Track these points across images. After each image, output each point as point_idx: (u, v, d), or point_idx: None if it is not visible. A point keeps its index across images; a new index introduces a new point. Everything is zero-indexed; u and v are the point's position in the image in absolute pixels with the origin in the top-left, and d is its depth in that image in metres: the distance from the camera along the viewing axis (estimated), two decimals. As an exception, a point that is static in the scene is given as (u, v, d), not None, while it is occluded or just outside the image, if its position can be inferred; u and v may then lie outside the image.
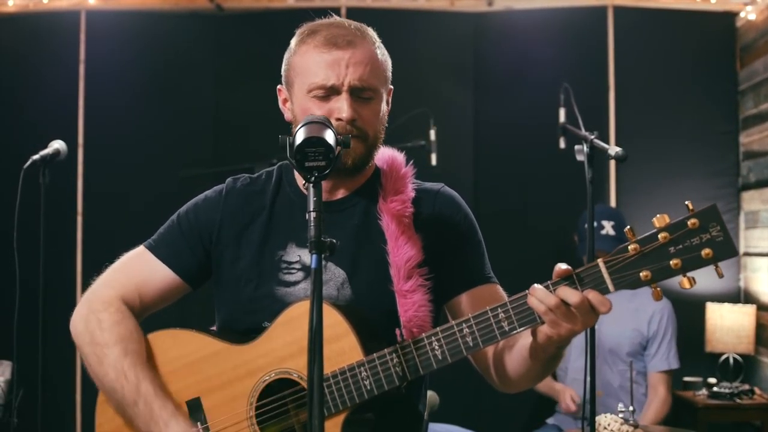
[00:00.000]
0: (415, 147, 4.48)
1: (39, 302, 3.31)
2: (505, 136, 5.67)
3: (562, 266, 1.83)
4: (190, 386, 2.14)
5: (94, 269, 5.45)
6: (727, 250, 1.77)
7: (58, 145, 3.43)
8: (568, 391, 4.59)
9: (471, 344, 1.92)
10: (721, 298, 5.42)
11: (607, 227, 4.71)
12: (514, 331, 1.89)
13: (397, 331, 2.03)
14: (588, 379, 3.31)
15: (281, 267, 2.17)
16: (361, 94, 2.10)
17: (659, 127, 5.59)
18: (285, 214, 2.23)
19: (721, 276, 1.81)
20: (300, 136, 1.80)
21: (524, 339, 1.97)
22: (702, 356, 5.36)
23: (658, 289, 1.82)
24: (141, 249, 2.30)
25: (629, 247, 1.80)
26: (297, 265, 2.17)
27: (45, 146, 3.42)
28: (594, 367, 3.35)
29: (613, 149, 3.17)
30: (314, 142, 1.78)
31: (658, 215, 1.80)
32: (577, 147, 3.43)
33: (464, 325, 1.92)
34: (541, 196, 5.64)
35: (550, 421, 4.78)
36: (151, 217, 5.40)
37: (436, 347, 1.94)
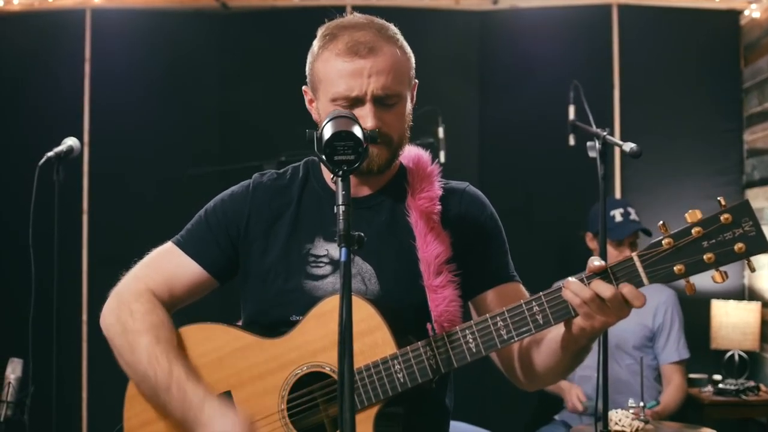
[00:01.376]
0: (424, 144, 4.47)
1: (53, 300, 3.31)
2: (511, 133, 5.68)
3: (596, 262, 1.85)
4: (220, 380, 2.14)
5: (99, 267, 5.48)
6: (760, 244, 1.79)
7: (71, 141, 3.44)
8: (574, 390, 4.60)
9: (505, 337, 1.94)
10: (725, 295, 5.45)
11: (616, 215, 4.76)
12: (549, 325, 1.91)
13: (429, 326, 2.04)
14: (600, 375, 3.33)
15: (309, 260, 2.18)
16: (384, 101, 2.10)
17: (664, 125, 5.61)
18: (312, 209, 2.24)
19: (753, 270, 1.83)
20: (328, 131, 1.81)
21: (555, 331, 1.98)
22: (707, 353, 5.37)
23: (692, 283, 1.84)
24: (170, 245, 2.30)
25: (663, 242, 1.82)
26: (325, 259, 2.18)
27: (50, 144, 3.43)
28: (606, 364, 3.37)
29: (628, 145, 3.18)
30: (343, 136, 1.78)
31: (690, 210, 1.82)
32: (589, 143, 3.44)
33: (498, 319, 1.94)
34: (547, 193, 5.65)
35: (557, 417, 4.79)
36: (158, 215, 5.51)
37: (470, 340, 1.96)
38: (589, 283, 1.84)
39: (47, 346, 3.42)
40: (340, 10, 5.60)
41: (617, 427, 3.63)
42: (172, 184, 5.51)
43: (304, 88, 2.26)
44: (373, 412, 2.00)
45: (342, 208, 1.75)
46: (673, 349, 4.70)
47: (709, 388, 5.21)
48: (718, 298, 5.42)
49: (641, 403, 3.79)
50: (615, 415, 3.64)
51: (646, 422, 3.73)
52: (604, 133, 3.35)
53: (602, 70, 5.66)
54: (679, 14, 5.73)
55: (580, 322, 1.87)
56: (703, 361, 5.30)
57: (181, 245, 2.28)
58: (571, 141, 4.17)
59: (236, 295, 2.33)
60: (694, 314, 5.00)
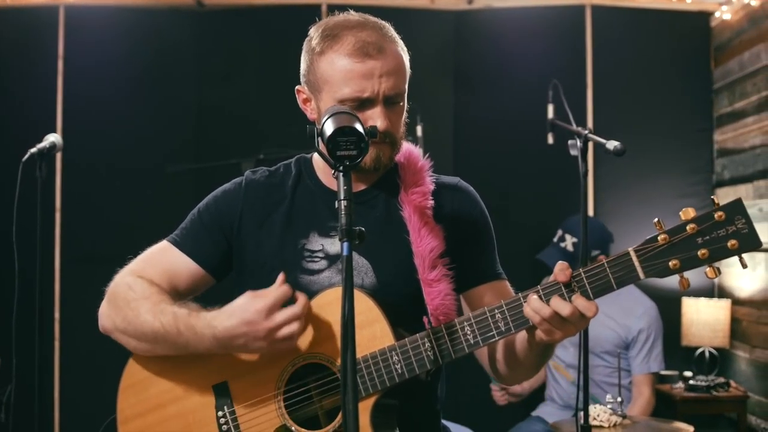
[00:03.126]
0: (402, 143, 4.51)
1: (35, 298, 3.29)
2: (485, 132, 5.72)
3: (560, 273, 1.91)
4: (217, 370, 2.15)
5: (72, 265, 5.43)
6: (752, 241, 1.85)
7: (53, 138, 3.42)
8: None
9: (503, 329, 1.98)
10: (695, 293, 5.52)
11: (568, 242, 4.79)
12: None
13: (425, 319, 2.07)
14: (581, 371, 3.37)
15: (304, 255, 2.20)
16: (392, 101, 2.13)
17: (636, 125, 5.67)
18: (306, 204, 2.26)
19: (744, 267, 1.89)
20: (331, 126, 1.82)
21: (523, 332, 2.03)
22: (678, 350, 5.45)
23: (686, 278, 1.89)
24: (164, 243, 2.31)
25: (659, 237, 1.87)
26: (320, 254, 2.20)
27: (24, 142, 3.41)
28: (586, 362, 3.41)
29: (611, 143, 3.22)
30: (347, 132, 1.80)
31: (684, 208, 1.88)
32: (570, 142, 3.48)
33: (496, 311, 1.98)
34: (522, 192, 5.70)
35: (535, 413, 4.83)
36: (133, 213, 5.47)
37: (468, 332, 2.00)
38: (548, 301, 1.90)
39: (29, 344, 3.39)
40: (314, 9, 5.62)
41: (595, 422, 3.68)
42: (148, 182, 5.50)
43: (297, 87, 2.26)
44: (370, 402, 2.03)
45: (344, 203, 1.77)
46: (646, 360, 4.74)
47: (680, 384, 5.28)
48: (688, 296, 5.49)
49: (619, 398, 3.84)
50: (593, 410, 3.69)
51: (624, 417, 3.79)
52: (586, 132, 3.39)
53: (576, 69, 5.72)
54: (651, 15, 5.80)
55: (541, 335, 1.93)
56: (674, 358, 5.36)
57: (177, 243, 2.29)
58: (550, 140, 4.21)
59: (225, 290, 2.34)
60: (666, 312, 5.06)
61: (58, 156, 5.55)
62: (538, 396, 4.88)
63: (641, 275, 1.88)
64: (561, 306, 1.87)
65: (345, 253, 1.74)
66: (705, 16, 5.82)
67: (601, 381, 4.66)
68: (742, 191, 5.37)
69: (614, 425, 3.70)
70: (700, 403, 5.17)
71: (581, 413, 3.34)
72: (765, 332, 5.15)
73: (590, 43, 5.77)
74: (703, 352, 5.43)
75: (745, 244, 1.84)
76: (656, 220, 1.89)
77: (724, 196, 5.58)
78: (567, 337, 1.93)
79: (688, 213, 1.87)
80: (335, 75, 2.10)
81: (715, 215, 1.85)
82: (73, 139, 5.54)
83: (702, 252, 1.85)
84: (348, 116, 1.87)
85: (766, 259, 5.07)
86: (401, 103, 2.17)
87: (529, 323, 1.95)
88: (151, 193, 5.50)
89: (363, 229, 1.76)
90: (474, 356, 2.23)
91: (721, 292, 5.64)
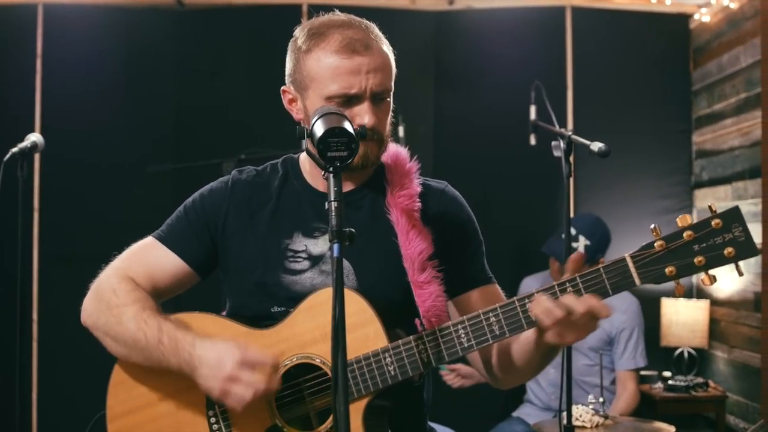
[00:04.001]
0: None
1: (16, 298, 3.27)
2: (465, 133, 5.72)
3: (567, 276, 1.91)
4: None
5: (50, 266, 5.39)
6: (749, 249, 1.86)
7: (35, 137, 3.40)
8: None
9: (497, 332, 1.97)
10: (674, 293, 5.52)
11: (580, 244, 4.78)
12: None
13: (417, 321, 2.07)
14: (564, 371, 3.37)
15: (287, 255, 2.20)
16: (379, 98, 2.13)
17: (616, 126, 5.69)
18: (292, 205, 2.26)
19: (740, 274, 1.89)
20: (321, 127, 1.82)
21: (527, 333, 2.01)
22: (657, 350, 5.47)
23: (681, 285, 1.90)
24: (150, 239, 2.30)
25: (655, 244, 1.87)
26: (303, 254, 2.20)
27: (1, 141, 3.38)
28: (570, 360, 3.42)
29: (596, 145, 3.24)
30: (337, 132, 1.80)
31: (680, 215, 1.88)
32: (554, 143, 3.49)
33: (491, 314, 1.97)
34: (503, 194, 5.70)
35: (515, 414, 4.84)
36: (112, 213, 5.43)
37: (462, 335, 1.99)
38: (557, 300, 1.87)
39: (7, 345, 3.37)
40: (295, 9, 5.60)
41: (577, 423, 3.70)
42: (128, 181, 5.47)
43: (283, 88, 2.25)
44: (362, 404, 2.02)
45: (334, 204, 1.77)
46: (630, 356, 4.74)
47: (660, 384, 5.31)
48: (667, 296, 5.52)
49: (600, 399, 3.86)
50: (575, 411, 3.70)
51: (606, 417, 3.80)
52: (569, 133, 3.40)
53: (556, 70, 5.74)
54: (630, 17, 5.83)
55: (551, 338, 1.90)
56: (653, 358, 5.38)
57: (162, 239, 2.28)
58: (532, 141, 4.22)
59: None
60: (645, 312, 5.08)
61: (36, 155, 5.49)
62: (518, 397, 4.89)
63: (637, 281, 1.89)
64: (572, 303, 1.85)
65: (335, 254, 1.74)
66: (684, 18, 5.85)
67: (582, 381, 4.67)
68: (720, 192, 5.41)
69: (596, 426, 3.72)
70: (680, 403, 5.21)
71: (564, 413, 3.35)
72: (743, 332, 5.19)
73: (570, 45, 5.79)
74: (682, 353, 5.47)
75: (742, 252, 1.85)
76: (653, 226, 1.88)
77: (703, 197, 5.62)
78: (578, 340, 1.91)
79: (686, 220, 1.87)
80: (322, 72, 2.10)
81: (712, 222, 1.85)
82: (52, 138, 5.47)
83: (698, 259, 1.86)
84: (337, 117, 1.87)
85: (745, 261, 5.09)
86: (388, 100, 2.17)
87: (524, 328, 1.95)
88: (131, 193, 5.47)
89: (353, 230, 1.76)
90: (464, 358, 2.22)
91: (699, 293, 5.68)
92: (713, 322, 5.50)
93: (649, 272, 1.88)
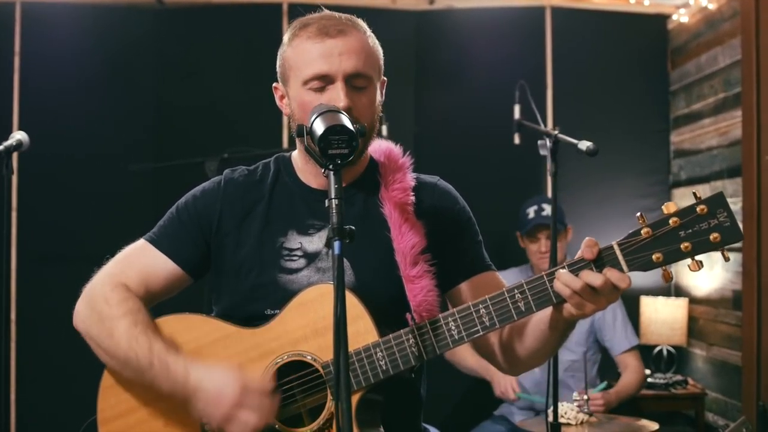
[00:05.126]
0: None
1: (1, 298, 3.23)
2: (445, 132, 5.73)
3: (586, 250, 1.90)
4: None
5: (29, 266, 5.33)
6: (734, 234, 1.87)
7: (20, 135, 3.38)
8: (509, 378, 4.65)
9: (488, 324, 1.99)
10: (652, 292, 5.59)
11: (530, 211, 4.85)
12: (530, 312, 1.97)
13: (408, 316, 2.07)
14: (551, 369, 3.39)
15: (282, 254, 2.20)
16: (355, 83, 2.13)
17: (595, 125, 5.70)
18: (285, 203, 2.26)
19: (727, 259, 1.90)
20: (321, 125, 1.84)
21: (540, 314, 2.03)
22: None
23: (669, 271, 1.91)
24: (142, 242, 2.29)
25: (642, 231, 1.89)
26: (299, 252, 2.20)
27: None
28: (556, 358, 3.43)
29: (584, 144, 3.27)
30: (338, 130, 1.82)
31: (666, 203, 1.90)
32: (540, 142, 3.52)
33: (480, 306, 1.99)
34: (483, 193, 5.68)
35: (496, 412, 4.85)
36: (91, 212, 5.38)
37: (453, 327, 2.01)
38: (578, 275, 1.89)
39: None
40: (276, 8, 5.58)
41: (562, 420, 3.72)
42: (108, 180, 5.42)
43: (274, 85, 2.28)
44: (354, 398, 2.02)
45: (335, 202, 1.79)
46: (622, 338, 4.80)
47: (640, 382, 5.35)
48: (645, 294, 5.56)
49: (585, 396, 3.89)
50: (560, 408, 3.72)
51: (590, 414, 3.83)
52: (555, 132, 3.42)
53: (536, 70, 5.75)
54: (609, 17, 5.86)
55: (571, 310, 1.92)
56: (633, 356, 5.43)
57: (154, 242, 2.27)
58: (517, 140, 4.23)
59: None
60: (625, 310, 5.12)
61: (14, 153, 5.43)
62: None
63: (625, 269, 1.90)
64: (592, 278, 1.86)
65: (337, 252, 1.75)
66: (662, 18, 5.90)
67: (568, 378, 4.68)
68: (699, 192, 5.40)
69: (581, 423, 3.74)
70: (659, 401, 5.26)
71: (551, 411, 3.37)
72: (721, 330, 5.24)
73: (550, 45, 5.81)
74: (661, 351, 5.51)
75: (728, 237, 1.87)
76: (639, 214, 1.90)
77: (681, 196, 5.67)
78: (597, 311, 1.92)
79: (670, 207, 1.88)
80: (298, 58, 2.14)
81: (698, 209, 1.87)
82: (31, 136, 5.45)
83: (685, 245, 1.87)
84: (337, 114, 1.90)
85: (723, 259, 5.14)
86: (369, 89, 2.16)
87: (514, 318, 1.97)
88: (112, 192, 5.43)
89: (353, 228, 1.77)
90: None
91: (678, 291, 5.72)
92: (692, 320, 5.55)
93: (636, 259, 1.90)
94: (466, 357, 4.78)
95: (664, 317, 5.46)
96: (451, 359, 4.85)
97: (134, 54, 5.64)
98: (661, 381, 5.26)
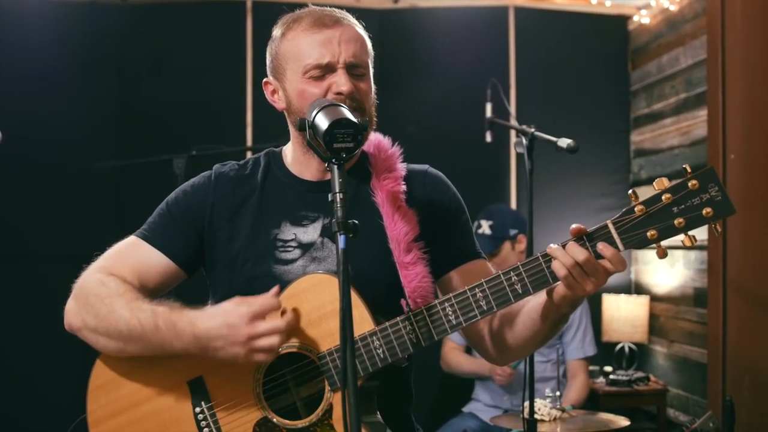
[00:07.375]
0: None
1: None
2: (410, 131, 5.72)
3: (574, 225, 1.92)
4: (191, 365, 2.10)
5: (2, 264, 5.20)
6: (725, 208, 1.87)
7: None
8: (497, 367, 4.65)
9: (485, 308, 1.98)
10: (613, 289, 5.66)
11: (484, 226, 4.84)
12: (527, 294, 1.97)
13: (403, 302, 2.08)
14: (527, 367, 3.42)
15: (277, 245, 2.19)
16: (354, 71, 2.16)
17: (557, 124, 5.63)
18: (276, 195, 2.26)
19: (718, 234, 1.91)
20: (325, 119, 1.85)
21: (533, 302, 2.05)
22: (599, 345, 5.54)
23: (663, 247, 1.92)
24: (133, 238, 2.26)
25: (635, 208, 1.90)
26: (293, 243, 2.19)
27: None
28: (532, 357, 3.46)
29: (564, 141, 3.28)
30: (344, 123, 1.84)
31: (657, 179, 1.90)
32: (516, 140, 3.53)
33: (477, 290, 1.99)
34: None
35: (465, 409, 4.87)
36: (57, 211, 5.28)
37: (450, 312, 2.00)
38: (564, 248, 1.90)
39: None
40: (239, 5, 5.53)
41: (536, 416, 3.74)
42: (72, 179, 5.33)
43: (265, 80, 2.29)
44: None
45: (339, 196, 1.79)
46: (579, 346, 4.82)
47: (602, 378, 5.40)
48: (609, 292, 5.62)
49: (557, 393, 3.92)
50: (534, 405, 3.74)
51: (563, 411, 3.86)
52: (532, 130, 3.44)
53: (499, 69, 5.78)
54: (571, 18, 5.93)
55: (561, 290, 1.93)
56: (595, 354, 5.48)
57: (146, 238, 2.24)
58: (488, 138, 4.25)
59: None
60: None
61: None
62: (467, 393, 4.92)
63: (621, 247, 1.90)
64: (577, 252, 1.87)
65: (342, 246, 1.75)
66: (623, 19, 5.98)
67: (536, 377, 4.70)
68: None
69: (555, 419, 3.76)
70: (622, 397, 5.31)
71: (527, 404, 3.40)
72: (682, 327, 5.31)
73: (513, 44, 5.85)
74: (622, 348, 5.58)
75: (720, 211, 1.87)
76: (630, 191, 1.91)
77: (642, 195, 5.67)
78: (587, 294, 1.92)
79: (662, 183, 1.89)
80: (297, 50, 2.16)
81: (689, 184, 1.87)
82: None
83: (678, 221, 1.88)
84: (340, 108, 1.92)
85: (684, 256, 5.23)
86: (366, 77, 2.21)
87: (512, 301, 1.97)
88: (75, 191, 5.34)
89: (357, 222, 1.77)
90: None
91: (638, 289, 5.80)
92: (653, 317, 5.62)
93: (632, 237, 1.90)
94: (461, 363, 4.80)
95: (625, 315, 5.53)
96: (448, 369, 4.88)
97: (97, 51, 5.55)
98: (623, 378, 5.32)
